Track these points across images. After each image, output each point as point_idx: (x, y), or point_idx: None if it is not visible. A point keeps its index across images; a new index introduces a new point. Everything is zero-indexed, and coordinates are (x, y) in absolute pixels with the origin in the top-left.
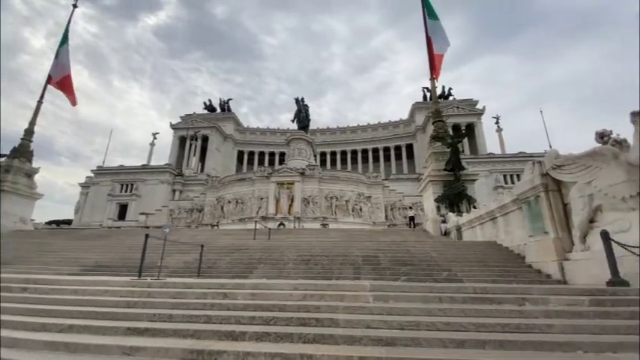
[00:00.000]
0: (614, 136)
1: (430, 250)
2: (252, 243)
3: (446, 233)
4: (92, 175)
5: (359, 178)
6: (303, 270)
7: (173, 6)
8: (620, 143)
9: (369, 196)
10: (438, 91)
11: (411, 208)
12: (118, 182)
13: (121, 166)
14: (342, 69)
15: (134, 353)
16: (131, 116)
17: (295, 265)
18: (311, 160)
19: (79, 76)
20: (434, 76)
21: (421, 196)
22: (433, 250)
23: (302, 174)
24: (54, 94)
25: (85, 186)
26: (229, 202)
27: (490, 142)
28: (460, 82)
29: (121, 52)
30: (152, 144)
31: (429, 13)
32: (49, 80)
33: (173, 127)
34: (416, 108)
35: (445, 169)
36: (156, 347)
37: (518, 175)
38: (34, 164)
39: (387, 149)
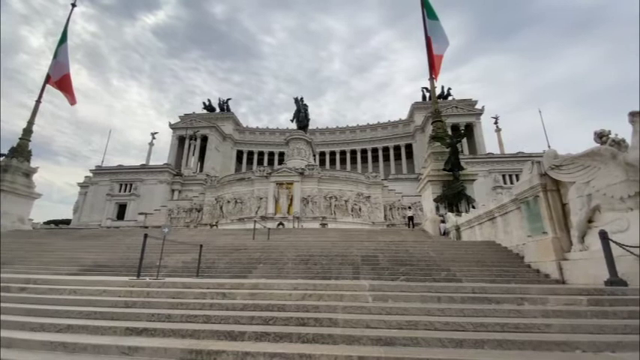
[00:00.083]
0: (612, 136)
1: (429, 250)
2: (252, 243)
3: (445, 233)
4: (91, 174)
5: (358, 178)
6: (302, 270)
7: (172, 5)
8: (619, 143)
9: (368, 196)
10: (438, 91)
11: (410, 208)
12: (117, 182)
13: (120, 165)
14: (341, 69)
15: (133, 353)
16: (130, 116)
17: (294, 265)
18: (310, 160)
19: (78, 76)
20: (433, 76)
21: (420, 196)
22: (432, 250)
23: (301, 174)
24: (52, 93)
25: (83, 186)
26: (228, 201)
27: (489, 142)
28: (459, 82)
29: (119, 52)
30: (151, 144)
31: (428, 12)
32: (48, 80)
33: (172, 126)
34: (415, 108)
35: (444, 169)
36: (154, 347)
37: (517, 175)
38: (33, 164)
39: (386, 149)
